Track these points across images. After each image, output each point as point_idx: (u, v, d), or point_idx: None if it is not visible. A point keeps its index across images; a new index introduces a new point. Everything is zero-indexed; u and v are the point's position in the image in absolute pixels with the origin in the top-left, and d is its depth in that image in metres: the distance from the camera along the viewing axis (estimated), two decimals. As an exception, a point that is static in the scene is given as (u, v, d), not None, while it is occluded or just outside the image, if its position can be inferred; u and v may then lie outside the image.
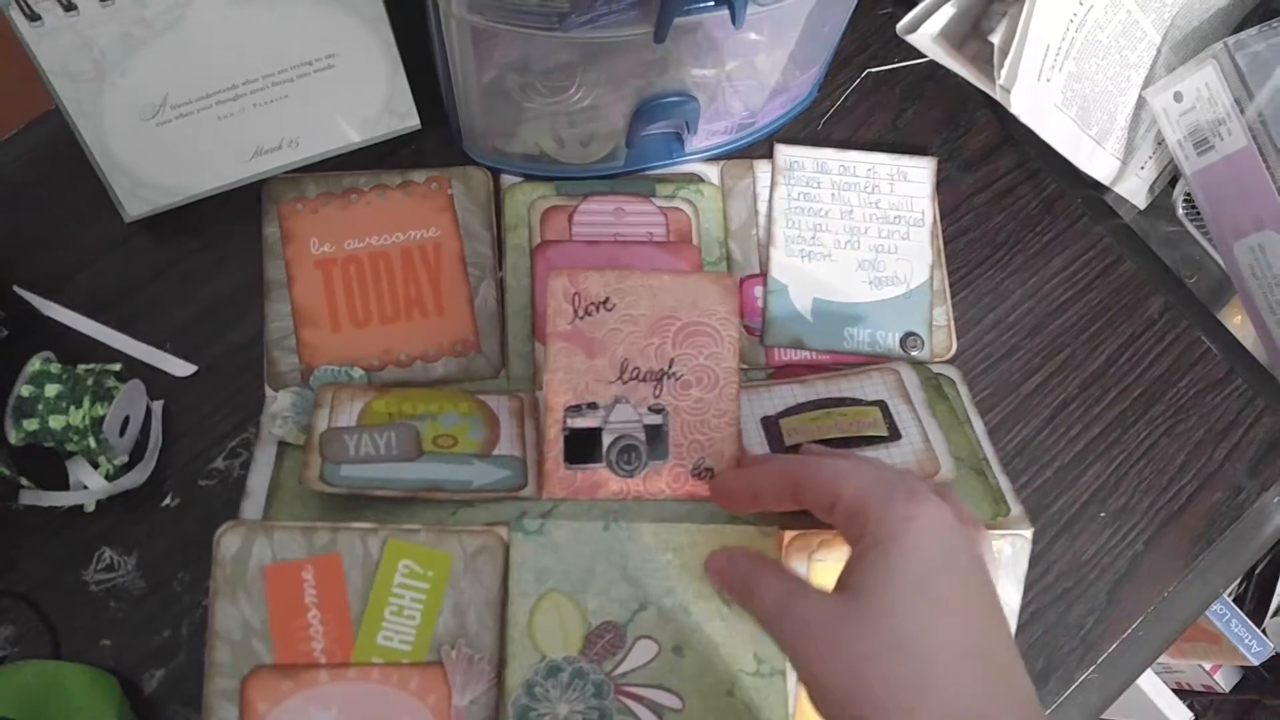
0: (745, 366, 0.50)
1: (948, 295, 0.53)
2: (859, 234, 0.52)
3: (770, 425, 0.46)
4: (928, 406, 0.47)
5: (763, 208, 0.53)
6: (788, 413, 0.47)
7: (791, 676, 0.42)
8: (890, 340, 0.51)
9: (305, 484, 0.42)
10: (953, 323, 0.52)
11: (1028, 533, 0.44)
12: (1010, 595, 0.44)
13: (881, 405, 0.47)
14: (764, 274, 0.52)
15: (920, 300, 0.52)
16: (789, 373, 0.50)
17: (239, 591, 0.41)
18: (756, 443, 0.46)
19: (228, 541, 0.42)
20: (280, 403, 0.47)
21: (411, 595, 0.42)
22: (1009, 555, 0.44)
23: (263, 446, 0.46)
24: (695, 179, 0.53)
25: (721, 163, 0.53)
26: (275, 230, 0.50)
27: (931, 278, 0.52)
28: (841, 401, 0.48)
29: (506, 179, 0.52)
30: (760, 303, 0.51)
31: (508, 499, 0.43)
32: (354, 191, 0.51)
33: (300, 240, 0.50)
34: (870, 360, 0.51)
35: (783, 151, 0.53)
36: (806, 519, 0.41)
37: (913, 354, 0.51)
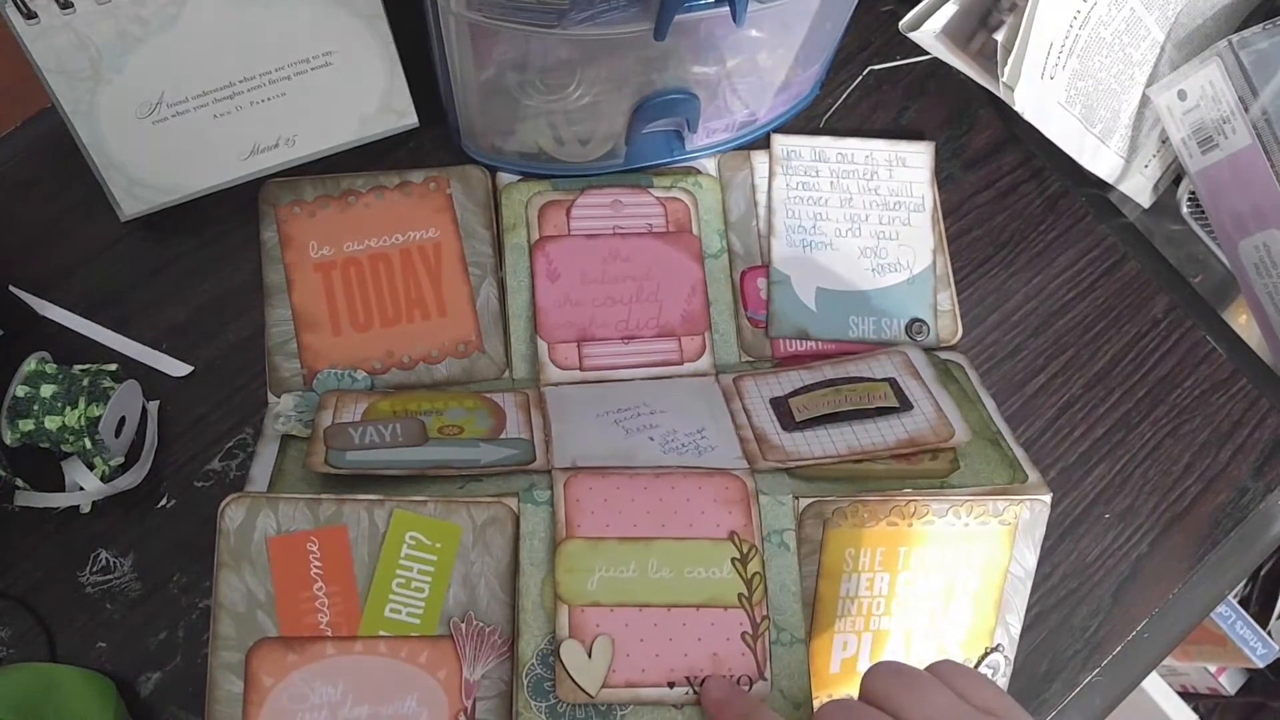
0: (751, 359, 0.50)
1: (951, 280, 0.52)
2: (860, 221, 0.52)
3: (779, 404, 0.46)
4: (938, 381, 0.47)
5: (761, 198, 0.52)
6: (796, 393, 0.47)
7: (812, 643, 0.42)
8: (895, 327, 0.51)
9: (311, 468, 0.41)
10: (958, 307, 0.52)
11: (1046, 497, 0.44)
12: (1027, 558, 0.44)
13: (891, 381, 0.47)
14: (766, 265, 0.51)
15: (924, 285, 0.52)
16: (795, 363, 0.50)
17: (243, 564, 0.41)
18: (766, 421, 0.45)
19: (232, 513, 0.41)
20: (284, 404, 0.47)
21: (420, 567, 0.41)
22: (1027, 519, 0.44)
23: (265, 442, 0.46)
24: (693, 172, 0.53)
25: (719, 155, 0.53)
26: (274, 234, 0.50)
27: (934, 263, 0.52)
28: (850, 379, 0.47)
29: (503, 178, 0.51)
30: (764, 294, 0.51)
31: (517, 472, 0.43)
32: (351, 193, 0.51)
33: (299, 244, 0.50)
34: (876, 347, 0.51)
35: (779, 141, 0.53)
36: (824, 486, 0.40)
37: (918, 340, 0.51)
